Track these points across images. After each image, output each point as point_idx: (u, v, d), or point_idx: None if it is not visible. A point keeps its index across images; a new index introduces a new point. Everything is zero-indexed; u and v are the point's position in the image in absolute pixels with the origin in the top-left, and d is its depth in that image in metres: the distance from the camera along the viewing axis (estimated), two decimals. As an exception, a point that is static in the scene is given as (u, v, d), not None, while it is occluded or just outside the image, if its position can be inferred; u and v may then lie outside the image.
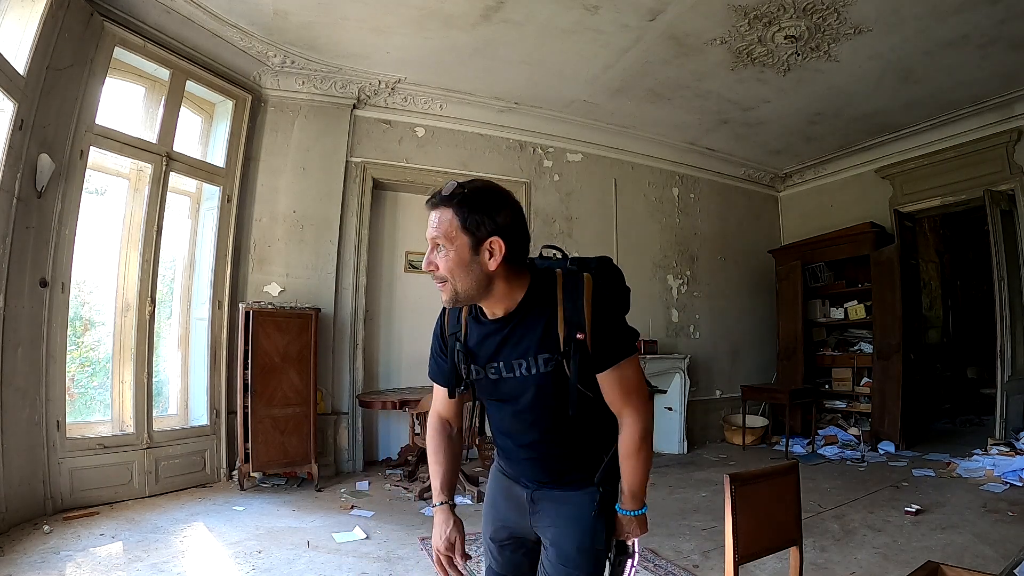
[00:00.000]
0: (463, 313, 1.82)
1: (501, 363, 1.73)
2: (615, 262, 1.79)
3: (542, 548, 1.87)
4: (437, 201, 1.60)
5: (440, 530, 1.80)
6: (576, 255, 1.86)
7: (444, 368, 1.90)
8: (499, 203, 1.62)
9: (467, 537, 1.84)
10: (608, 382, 1.65)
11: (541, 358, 1.66)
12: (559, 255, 1.91)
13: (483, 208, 1.61)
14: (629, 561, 1.83)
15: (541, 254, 1.92)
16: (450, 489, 1.92)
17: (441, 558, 1.80)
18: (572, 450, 1.79)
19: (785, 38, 5.43)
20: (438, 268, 1.60)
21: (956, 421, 8.99)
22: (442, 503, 1.86)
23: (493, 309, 1.70)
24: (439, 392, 1.99)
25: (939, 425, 8.65)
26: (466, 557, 1.82)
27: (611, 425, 1.75)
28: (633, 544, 1.83)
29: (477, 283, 1.62)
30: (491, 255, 1.61)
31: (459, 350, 1.80)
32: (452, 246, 1.58)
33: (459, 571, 1.81)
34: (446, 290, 1.61)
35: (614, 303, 1.72)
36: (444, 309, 1.89)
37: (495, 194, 1.63)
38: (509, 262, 1.62)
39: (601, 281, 1.69)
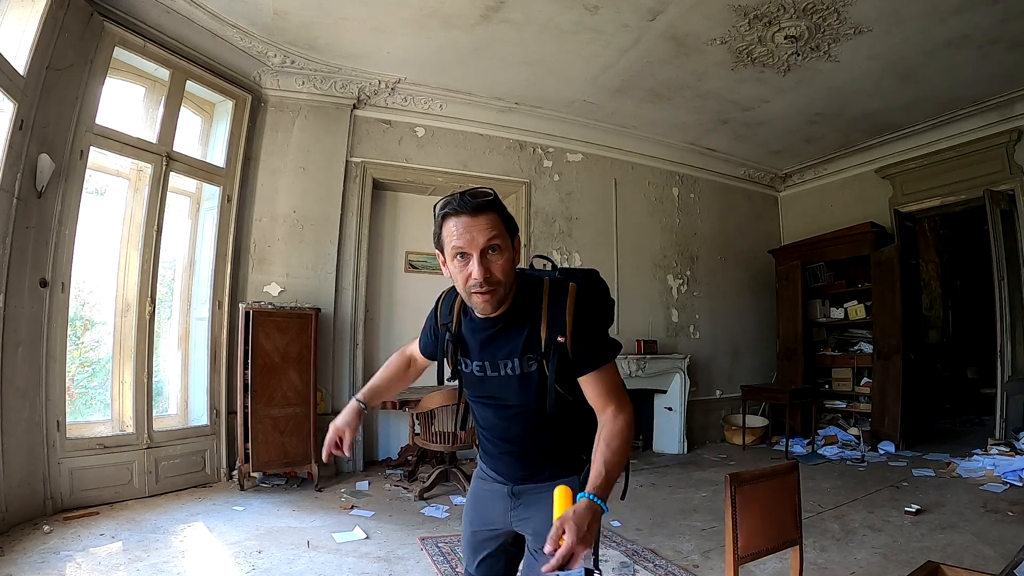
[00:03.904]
0: (455, 306, 1.89)
1: (487, 362, 1.78)
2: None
3: (526, 545, 1.90)
4: (484, 204, 1.61)
5: (344, 417, 1.97)
6: (565, 266, 1.97)
7: (431, 343, 2.03)
8: None
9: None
10: (589, 385, 1.68)
11: (525, 359, 1.72)
12: (549, 266, 1.99)
13: (506, 209, 1.70)
14: None
15: (532, 265, 2.00)
16: (372, 396, 2.13)
17: (333, 434, 1.95)
18: (551, 446, 1.84)
19: (785, 38, 5.43)
20: (493, 274, 1.60)
21: (956, 421, 8.99)
22: (357, 400, 2.06)
23: (490, 312, 1.74)
24: (416, 345, 2.17)
25: (939, 425, 8.65)
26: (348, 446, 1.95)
27: (590, 426, 1.73)
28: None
29: (513, 285, 1.69)
30: (517, 252, 1.72)
31: (449, 340, 1.86)
32: (507, 246, 1.64)
33: (341, 450, 1.95)
34: (493, 297, 1.63)
35: (595, 311, 1.77)
36: (441, 297, 1.99)
37: None
38: None
39: (584, 290, 1.76)
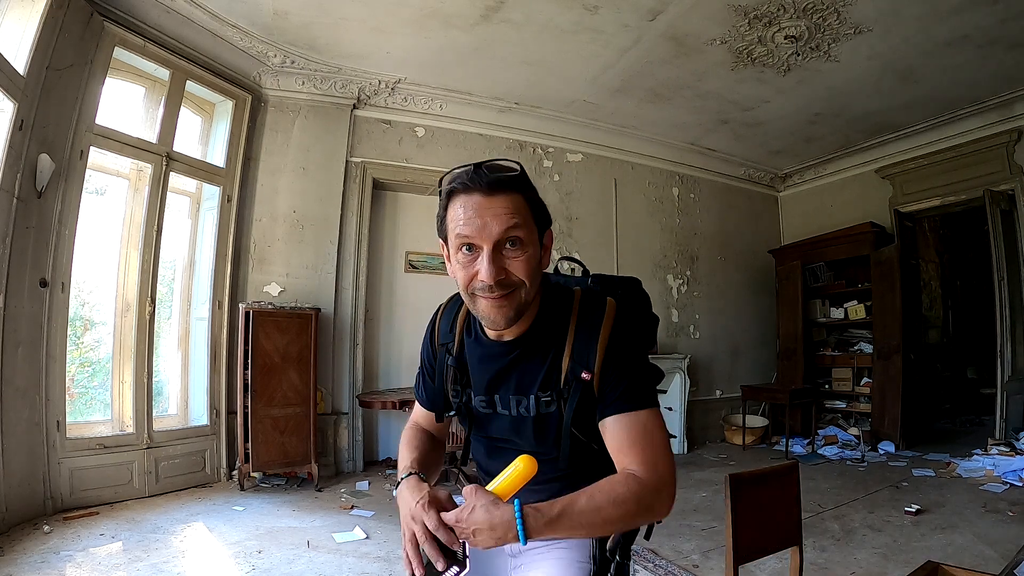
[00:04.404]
0: (458, 321, 1.57)
1: (497, 397, 1.47)
2: (615, 263, 1.61)
3: None
4: (503, 181, 1.29)
5: (411, 498, 1.29)
6: (600, 272, 1.65)
7: (431, 388, 1.65)
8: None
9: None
10: (612, 431, 1.31)
11: (543, 397, 1.40)
12: (578, 270, 1.71)
13: (536, 191, 1.38)
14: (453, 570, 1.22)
15: (557, 268, 1.71)
16: (424, 465, 1.52)
17: (418, 533, 1.22)
18: None
19: (785, 38, 5.43)
20: (509, 275, 1.29)
21: (956, 421, 8.98)
22: (410, 474, 1.42)
23: (503, 331, 1.42)
24: (421, 410, 1.74)
25: (939, 425, 8.64)
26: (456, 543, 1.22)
27: None
28: (465, 549, 1.23)
29: (536, 294, 1.38)
30: (547, 250, 1.42)
31: (450, 365, 1.55)
32: (532, 241, 1.33)
33: (446, 551, 1.21)
34: (509, 303, 1.31)
35: (637, 339, 1.42)
36: (438, 312, 1.66)
37: None
38: None
39: (625, 311, 1.42)
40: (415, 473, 1.42)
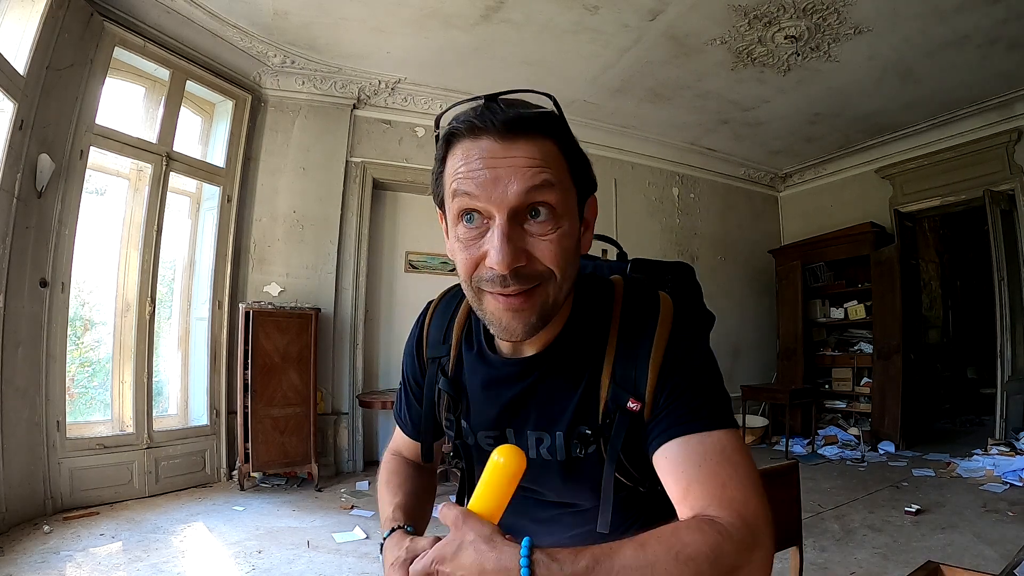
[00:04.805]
0: (456, 325, 1.20)
1: (510, 432, 1.09)
2: None
3: None
4: (528, 120, 0.90)
5: (393, 552, 0.93)
6: (637, 257, 1.32)
7: (416, 413, 1.29)
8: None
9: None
10: (681, 459, 0.91)
11: (576, 436, 1.02)
12: (612, 252, 1.38)
13: (576, 141, 0.99)
14: None
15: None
16: (411, 512, 1.17)
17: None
18: None
19: (785, 38, 5.43)
20: (531, 259, 0.91)
21: (956, 421, 8.98)
22: (396, 528, 1.06)
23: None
24: (402, 437, 1.38)
25: (939, 425, 8.63)
26: None
27: None
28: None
29: (571, 290, 1.00)
30: (589, 226, 1.05)
31: (442, 389, 1.17)
32: (568, 211, 0.94)
33: None
34: (531, 305, 0.93)
35: (703, 347, 1.03)
36: (427, 311, 1.31)
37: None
38: None
39: (685, 310, 1.05)
40: (400, 527, 1.06)
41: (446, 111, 0.99)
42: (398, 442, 1.39)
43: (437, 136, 0.98)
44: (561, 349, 1.05)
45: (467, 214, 0.92)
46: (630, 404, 0.97)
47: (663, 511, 0.96)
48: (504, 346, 1.09)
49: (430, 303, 1.33)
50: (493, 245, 0.88)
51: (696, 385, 0.97)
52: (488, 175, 0.88)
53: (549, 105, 0.96)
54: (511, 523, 1.07)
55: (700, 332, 1.05)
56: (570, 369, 1.04)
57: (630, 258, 1.32)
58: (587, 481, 1.04)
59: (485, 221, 0.91)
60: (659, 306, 1.03)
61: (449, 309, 1.26)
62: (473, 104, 0.95)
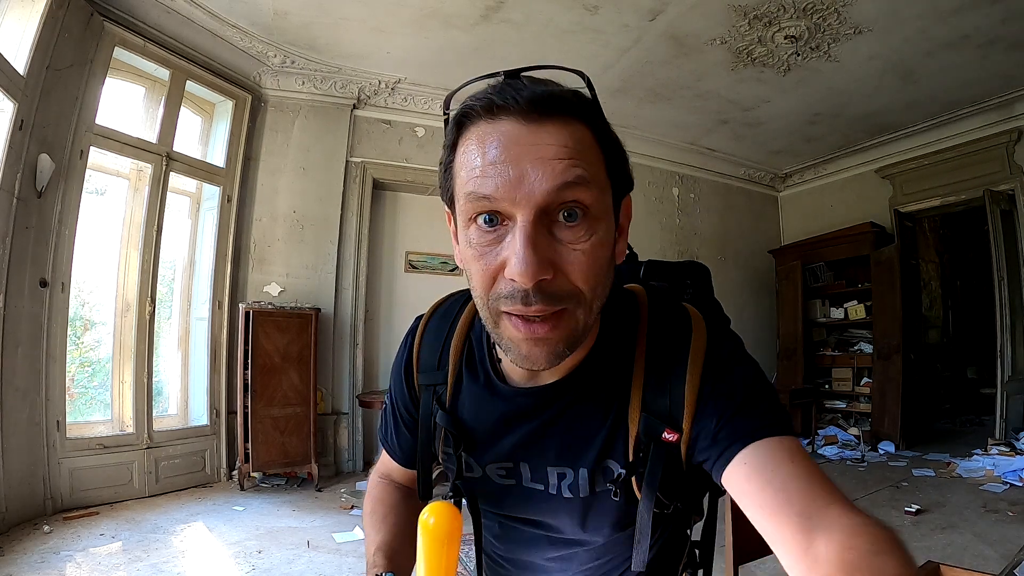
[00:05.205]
0: (453, 344, 1.02)
1: (525, 466, 0.94)
2: None
3: None
4: (560, 99, 0.75)
5: None
6: (652, 258, 1.19)
7: (407, 441, 1.12)
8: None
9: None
10: (773, 466, 0.74)
11: (603, 470, 0.90)
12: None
13: (611, 129, 0.86)
14: None
15: None
16: (396, 553, 1.05)
17: None
18: None
19: (785, 38, 5.43)
20: (560, 272, 0.74)
21: (956, 421, 8.97)
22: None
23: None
24: (389, 461, 1.20)
25: (939, 425, 8.62)
26: None
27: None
28: None
29: (605, 300, 0.82)
30: (623, 231, 0.89)
31: (439, 424, 1.00)
32: (604, 212, 0.78)
33: None
34: (558, 330, 0.76)
35: (746, 356, 0.91)
36: (417, 327, 1.12)
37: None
38: None
39: (718, 325, 0.94)
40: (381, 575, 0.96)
41: (457, 90, 0.85)
42: (388, 464, 1.20)
43: (446, 120, 0.82)
44: (586, 375, 0.90)
45: (485, 215, 0.74)
46: (666, 435, 0.84)
47: (676, 528, 1.01)
48: (518, 374, 0.94)
49: (419, 319, 1.13)
50: (515, 251, 0.71)
51: (751, 395, 0.82)
52: (510, 166, 0.71)
53: (578, 85, 0.82)
54: (525, 561, 1.06)
55: (738, 344, 0.92)
56: (595, 397, 0.90)
57: (642, 260, 1.18)
58: (609, 516, 0.92)
59: (505, 223, 0.74)
60: (690, 324, 0.90)
61: (444, 327, 1.06)
62: (492, 81, 0.80)
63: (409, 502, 1.15)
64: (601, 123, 0.81)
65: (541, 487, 0.94)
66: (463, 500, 1.01)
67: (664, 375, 0.87)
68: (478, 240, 0.76)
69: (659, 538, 0.99)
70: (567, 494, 0.92)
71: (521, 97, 0.73)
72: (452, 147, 0.79)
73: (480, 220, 0.75)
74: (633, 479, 0.86)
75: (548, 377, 0.90)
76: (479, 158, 0.73)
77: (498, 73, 0.80)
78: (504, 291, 0.74)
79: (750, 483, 0.75)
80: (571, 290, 0.75)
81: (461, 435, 0.97)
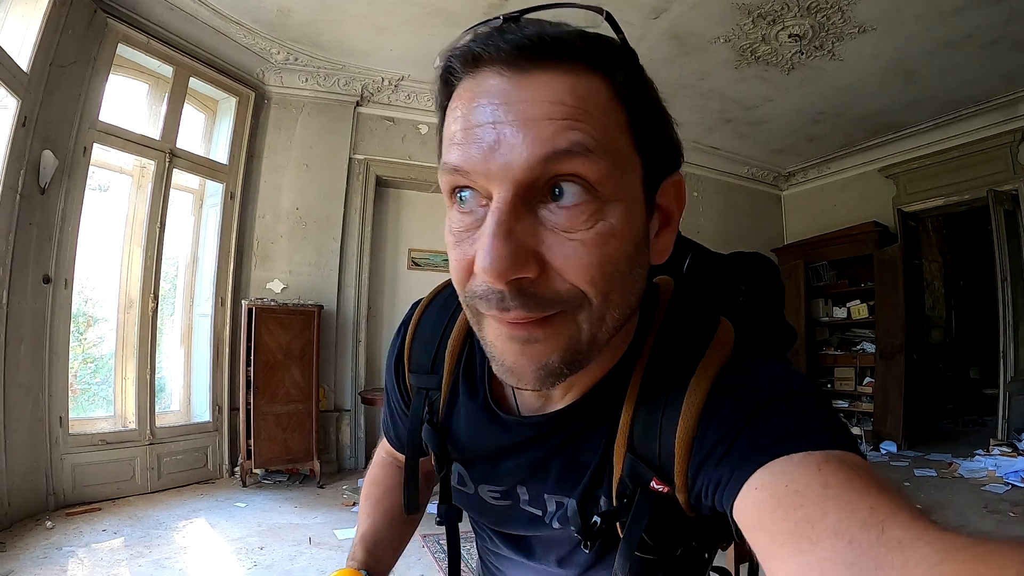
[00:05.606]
0: (450, 344, 0.86)
1: (524, 489, 0.81)
2: None
3: None
4: (557, 42, 0.58)
5: None
6: (701, 246, 0.99)
7: (401, 431, 0.99)
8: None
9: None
10: (784, 501, 0.52)
11: (589, 503, 0.75)
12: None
13: (649, 85, 0.66)
14: None
15: None
16: (377, 546, 1.00)
17: None
18: None
19: (789, 37, 5.42)
20: (546, 268, 0.58)
21: (958, 421, 8.97)
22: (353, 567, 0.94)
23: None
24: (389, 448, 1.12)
25: (941, 425, 8.62)
26: None
27: None
28: None
29: (630, 313, 0.66)
30: (670, 220, 0.69)
31: (426, 442, 0.87)
32: (622, 189, 0.60)
33: None
34: (549, 342, 0.60)
35: (783, 371, 0.67)
36: (409, 317, 0.95)
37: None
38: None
39: (757, 346, 0.72)
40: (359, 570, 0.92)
41: (455, 41, 0.65)
42: (389, 448, 1.12)
43: (437, 77, 0.66)
44: (599, 396, 0.73)
45: (460, 190, 0.61)
46: (654, 485, 0.67)
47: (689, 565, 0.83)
48: (523, 401, 0.79)
49: (416, 305, 0.95)
50: (482, 241, 0.57)
51: (771, 398, 0.62)
52: (488, 131, 0.56)
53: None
54: (512, 571, 0.97)
55: (783, 374, 0.66)
56: (599, 417, 0.74)
57: (691, 243, 0.96)
58: (600, 556, 0.79)
59: (484, 203, 0.59)
60: (708, 341, 0.69)
61: (441, 322, 0.89)
62: (484, 25, 0.64)
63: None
64: (628, 75, 0.61)
65: (536, 510, 0.81)
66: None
67: (655, 410, 0.68)
68: (455, 224, 0.62)
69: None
70: (556, 525, 0.79)
71: (505, 42, 0.58)
72: (442, 110, 0.65)
73: (457, 198, 0.62)
74: (619, 523, 0.71)
75: (558, 400, 0.75)
76: (456, 122, 0.60)
77: (497, 17, 0.63)
78: (479, 289, 0.60)
79: (761, 511, 0.54)
80: (565, 292, 0.58)
81: (449, 455, 0.86)
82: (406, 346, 0.92)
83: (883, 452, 7.11)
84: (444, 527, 0.94)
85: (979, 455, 6.30)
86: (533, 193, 0.57)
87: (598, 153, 0.56)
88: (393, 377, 0.97)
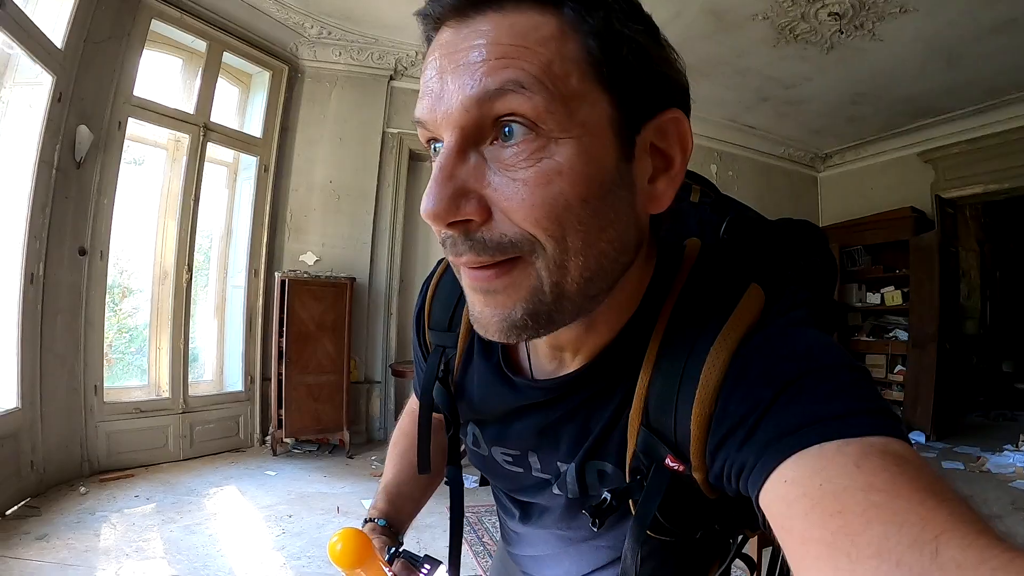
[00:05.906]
0: (465, 311, 0.83)
1: (536, 456, 0.80)
2: None
3: None
4: None
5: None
6: (742, 206, 0.94)
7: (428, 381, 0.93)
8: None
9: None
10: (816, 497, 0.47)
11: (591, 469, 0.74)
12: (704, 194, 0.94)
13: (634, 11, 0.64)
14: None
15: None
16: (395, 501, 1.07)
17: None
18: None
19: (829, 15, 5.31)
20: (490, 209, 0.57)
21: (989, 415, 8.80)
22: (369, 520, 1.03)
23: (561, 346, 0.72)
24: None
25: (971, 418, 8.46)
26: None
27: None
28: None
29: (611, 265, 0.62)
30: (669, 165, 0.68)
31: (437, 402, 0.88)
32: (563, 125, 0.55)
33: None
34: (508, 290, 0.59)
35: (819, 341, 0.62)
36: (432, 274, 0.96)
37: None
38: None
39: (788, 315, 0.66)
40: (373, 521, 1.00)
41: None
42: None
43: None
44: (611, 357, 0.70)
45: (433, 143, 0.62)
46: (668, 462, 0.64)
47: (693, 559, 0.81)
48: (538, 361, 0.77)
49: (440, 262, 0.94)
50: (430, 186, 0.58)
51: (800, 376, 0.56)
52: (434, 81, 0.58)
53: None
54: (526, 534, 0.95)
55: (818, 345, 0.61)
56: (612, 382, 0.71)
57: (732, 203, 0.93)
58: (609, 529, 0.72)
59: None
60: (732, 306, 0.64)
61: (456, 282, 0.77)
62: None
63: (434, 436, 0.98)
64: (587, 7, 0.57)
65: (545, 475, 0.80)
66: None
67: (671, 381, 0.63)
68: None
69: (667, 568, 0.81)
70: (557, 491, 0.78)
71: None
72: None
73: (432, 150, 0.63)
74: (631, 500, 0.67)
75: (569, 365, 0.73)
76: (422, 79, 0.61)
77: None
78: (439, 237, 0.62)
79: (791, 511, 0.49)
80: (515, 236, 0.56)
81: (457, 414, 0.87)
82: (427, 302, 0.94)
83: (911, 442, 7.02)
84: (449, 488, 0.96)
85: (1008, 450, 6.22)
86: (481, 136, 0.57)
87: (533, 88, 0.54)
88: (415, 332, 0.98)
